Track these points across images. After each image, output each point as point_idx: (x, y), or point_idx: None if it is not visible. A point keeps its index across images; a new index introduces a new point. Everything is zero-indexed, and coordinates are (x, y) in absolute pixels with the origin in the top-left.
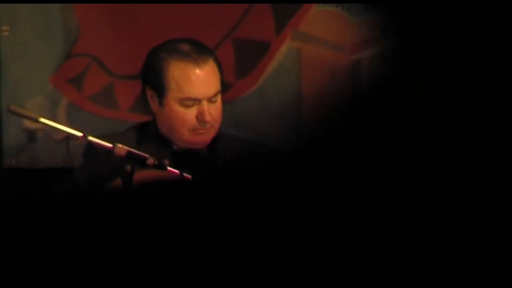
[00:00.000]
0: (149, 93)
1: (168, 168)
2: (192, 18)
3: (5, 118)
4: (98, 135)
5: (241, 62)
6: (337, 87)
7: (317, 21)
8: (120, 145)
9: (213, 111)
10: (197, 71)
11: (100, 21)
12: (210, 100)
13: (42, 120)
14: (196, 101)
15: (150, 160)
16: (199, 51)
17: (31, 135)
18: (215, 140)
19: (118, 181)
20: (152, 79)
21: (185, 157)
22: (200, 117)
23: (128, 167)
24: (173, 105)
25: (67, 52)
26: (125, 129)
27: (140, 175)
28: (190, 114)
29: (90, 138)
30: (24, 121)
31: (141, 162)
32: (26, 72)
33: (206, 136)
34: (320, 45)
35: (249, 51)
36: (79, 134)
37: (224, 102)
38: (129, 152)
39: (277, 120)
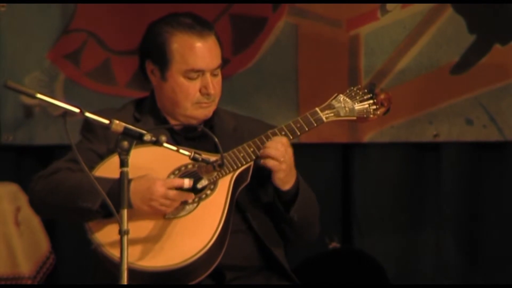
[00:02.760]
0: (150, 67)
1: (165, 144)
2: None
3: (2, 93)
4: (95, 111)
5: (238, 38)
6: (334, 63)
7: None
8: (117, 121)
9: (215, 85)
10: (201, 42)
11: None
12: (213, 73)
13: (39, 95)
14: (200, 73)
15: (147, 136)
16: (202, 24)
17: (28, 111)
18: (212, 116)
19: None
20: (154, 53)
21: (182, 132)
22: (204, 89)
23: (125, 143)
24: (177, 78)
25: (64, 28)
26: (122, 105)
27: None
28: (193, 86)
29: (87, 114)
30: (22, 97)
31: (138, 138)
32: (23, 47)
33: (208, 110)
34: (317, 20)
35: (246, 27)
36: (76, 110)
37: (222, 78)
38: (126, 128)
39: (274, 96)
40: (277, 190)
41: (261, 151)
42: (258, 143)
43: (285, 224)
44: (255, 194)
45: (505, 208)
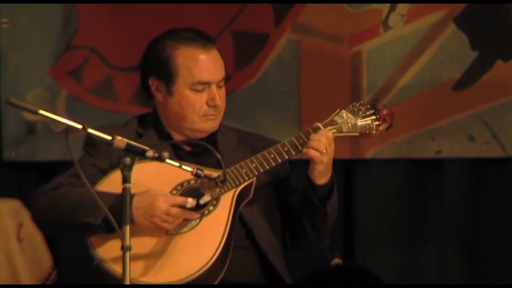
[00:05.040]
0: (154, 83)
1: (167, 160)
2: (191, 10)
3: (4, 110)
4: (97, 127)
5: (240, 54)
6: (337, 79)
7: (316, 13)
8: (119, 137)
9: (221, 96)
10: (206, 55)
11: (99, 13)
12: (218, 85)
13: (42, 112)
14: (206, 85)
15: (150, 152)
16: (204, 37)
17: (31, 127)
18: (215, 131)
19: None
20: (158, 68)
21: (185, 148)
22: (211, 101)
23: (128, 159)
24: (183, 91)
25: (66, 44)
26: (125, 121)
27: None
28: (200, 99)
29: (90, 130)
30: (24, 113)
31: (140, 154)
32: (26, 64)
33: (215, 122)
34: (319, 37)
35: (248, 43)
36: (79, 126)
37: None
38: (128, 144)
39: (277, 112)
40: (312, 185)
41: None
42: (261, 158)
43: (316, 220)
44: (259, 209)
45: (507, 224)
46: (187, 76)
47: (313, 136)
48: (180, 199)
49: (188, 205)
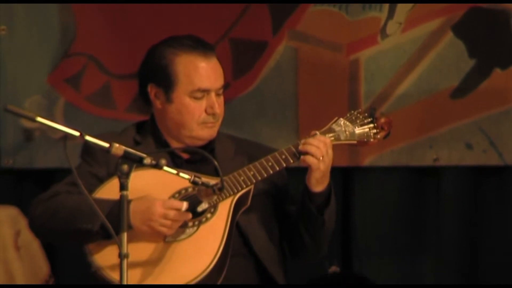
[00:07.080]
0: (153, 90)
1: (165, 167)
2: (189, 17)
3: (2, 117)
4: (95, 134)
5: (238, 62)
6: (334, 87)
7: (314, 21)
8: (117, 145)
9: (220, 104)
10: (206, 62)
11: (97, 20)
12: (217, 92)
13: (39, 119)
14: (205, 92)
15: (147, 160)
16: (204, 44)
17: (29, 135)
18: (213, 139)
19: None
20: (158, 75)
21: (183, 156)
22: (210, 109)
23: (125, 167)
24: (183, 99)
25: (64, 52)
26: (122, 128)
27: None
28: (199, 107)
29: (87, 137)
30: (22, 120)
31: (138, 162)
32: (24, 71)
33: (213, 130)
34: (317, 44)
35: (246, 50)
36: (76, 133)
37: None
38: (126, 152)
39: (274, 120)
40: (309, 192)
41: (302, 147)
42: (259, 166)
43: (313, 229)
44: (257, 217)
45: (505, 233)
46: (187, 83)
47: (311, 141)
48: (177, 203)
49: (184, 209)
